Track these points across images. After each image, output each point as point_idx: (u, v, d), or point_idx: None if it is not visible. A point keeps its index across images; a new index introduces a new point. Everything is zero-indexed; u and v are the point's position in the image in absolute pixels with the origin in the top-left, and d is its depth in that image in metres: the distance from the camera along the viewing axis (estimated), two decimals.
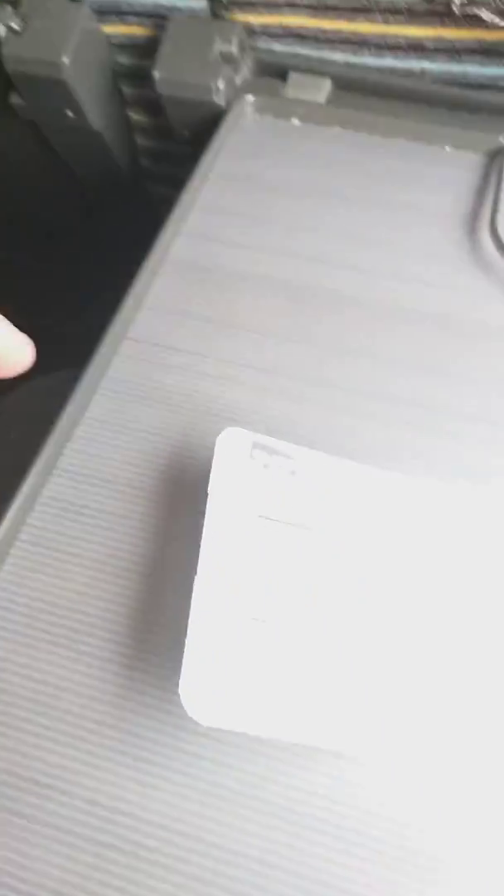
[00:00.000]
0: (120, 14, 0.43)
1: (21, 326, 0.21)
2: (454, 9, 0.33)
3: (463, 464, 0.29)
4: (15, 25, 0.42)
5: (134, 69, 0.47)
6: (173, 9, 0.42)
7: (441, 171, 0.39)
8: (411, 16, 0.37)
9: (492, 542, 0.26)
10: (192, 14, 0.42)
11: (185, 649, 0.21)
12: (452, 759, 0.22)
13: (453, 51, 0.40)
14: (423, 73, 0.41)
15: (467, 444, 0.29)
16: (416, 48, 0.40)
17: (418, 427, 0.30)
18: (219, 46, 0.40)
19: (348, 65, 0.42)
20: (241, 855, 0.21)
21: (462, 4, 0.33)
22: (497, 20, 0.33)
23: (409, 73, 0.41)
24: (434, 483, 0.27)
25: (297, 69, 0.42)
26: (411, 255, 0.35)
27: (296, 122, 0.41)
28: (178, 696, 0.21)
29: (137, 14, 0.43)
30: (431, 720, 0.23)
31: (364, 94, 0.41)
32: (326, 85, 0.42)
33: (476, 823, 0.21)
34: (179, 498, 0.27)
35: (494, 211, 0.36)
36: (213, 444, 0.25)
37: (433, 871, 0.21)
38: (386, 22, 0.39)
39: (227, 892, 0.21)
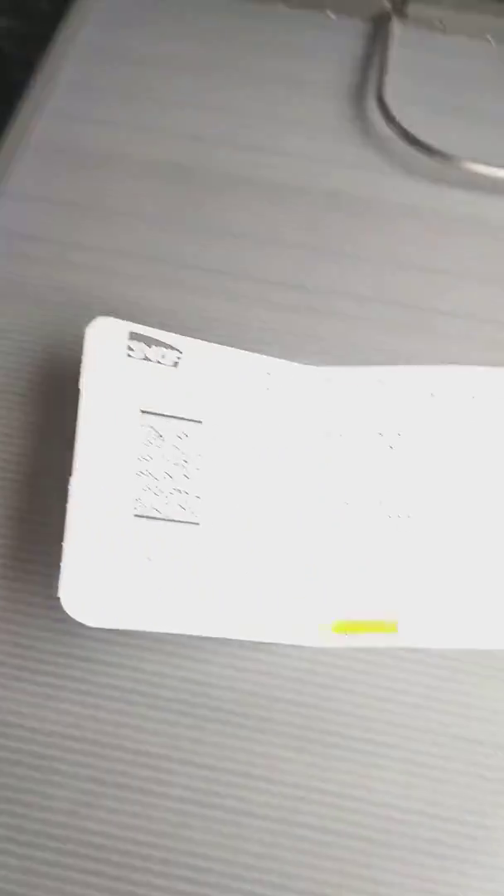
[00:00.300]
0: None
1: None
2: None
3: (355, 346, 0.27)
4: None
5: None
6: None
7: (324, 39, 0.36)
8: None
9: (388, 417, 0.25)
10: None
11: (63, 551, 0.20)
12: (349, 642, 0.22)
13: None
14: None
15: (359, 326, 0.28)
16: None
17: (307, 310, 0.28)
18: None
19: None
20: (143, 753, 0.20)
21: None
22: None
23: None
24: (330, 368, 0.26)
25: None
26: (295, 129, 0.33)
27: None
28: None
29: None
30: (327, 602, 0.22)
31: None
32: None
33: (374, 700, 0.21)
34: (55, 397, 0.25)
35: (381, 79, 0.34)
36: None
37: (336, 747, 0.21)
38: None
39: (130, 791, 0.20)
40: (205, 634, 0.21)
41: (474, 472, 0.25)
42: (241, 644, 0.22)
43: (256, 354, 0.26)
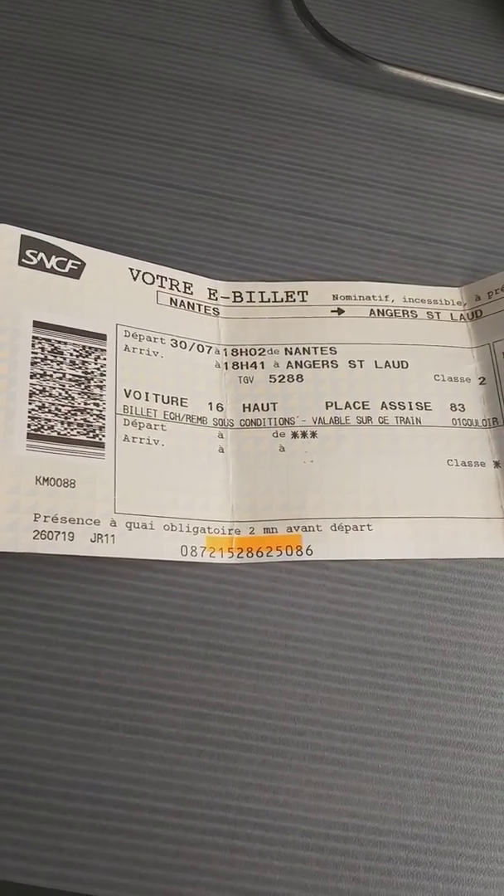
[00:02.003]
0: None
1: None
2: None
3: (265, 256, 0.26)
4: None
5: None
6: None
7: None
8: None
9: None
10: None
11: None
12: (252, 559, 0.22)
13: None
14: None
15: (270, 236, 0.27)
16: None
17: (215, 218, 0.27)
18: None
19: None
20: (43, 678, 0.20)
21: None
22: None
23: None
24: (239, 283, 0.25)
25: None
26: (206, 23, 0.30)
27: None
28: None
29: None
30: (230, 519, 0.22)
31: None
32: None
33: (275, 615, 0.21)
34: None
35: None
36: None
37: (237, 663, 0.21)
38: None
39: (30, 716, 0.20)
40: (105, 555, 0.20)
41: (379, 388, 0.24)
42: (144, 564, 0.21)
43: (166, 268, 0.25)
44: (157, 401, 0.23)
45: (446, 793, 0.20)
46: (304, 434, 0.24)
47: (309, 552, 0.22)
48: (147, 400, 0.23)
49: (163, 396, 0.23)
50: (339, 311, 0.25)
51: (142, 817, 0.19)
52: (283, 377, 0.24)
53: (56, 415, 0.21)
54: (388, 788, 0.20)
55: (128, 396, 0.22)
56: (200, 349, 0.24)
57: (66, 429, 0.21)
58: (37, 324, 0.22)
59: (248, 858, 0.19)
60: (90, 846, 0.19)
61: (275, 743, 0.20)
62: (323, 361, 0.25)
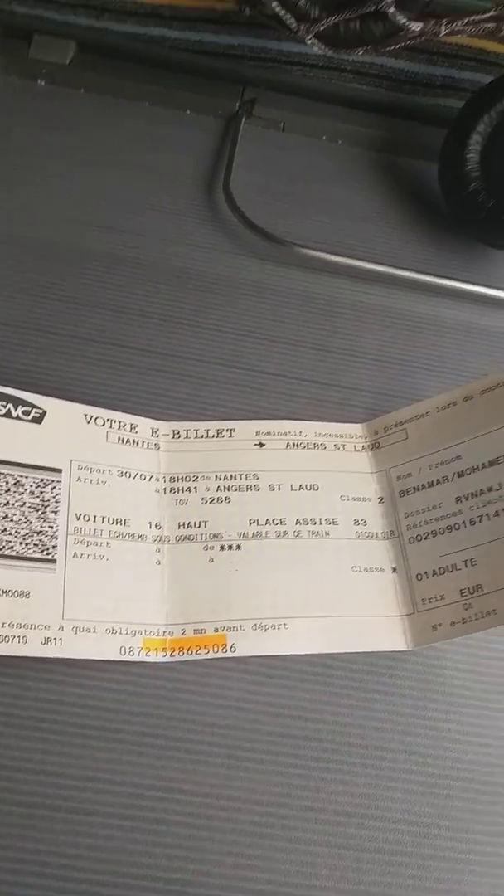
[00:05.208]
0: None
1: None
2: None
3: (202, 403, 0.32)
4: None
5: None
6: None
7: (182, 134, 0.41)
8: None
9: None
10: None
11: None
12: (183, 658, 0.25)
13: (188, 19, 0.42)
14: (163, 40, 0.43)
15: (205, 385, 0.32)
16: (153, 15, 0.42)
17: (160, 372, 0.32)
18: None
19: (91, 28, 0.43)
20: None
21: None
22: None
23: (149, 39, 0.43)
24: (178, 423, 0.30)
25: (42, 31, 0.43)
26: (154, 213, 0.37)
27: (41, 83, 0.42)
28: None
29: None
30: (164, 622, 0.26)
31: (108, 58, 0.43)
32: (71, 47, 0.43)
33: (202, 706, 0.25)
34: None
35: (228, 172, 0.39)
36: None
37: (168, 749, 0.24)
38: None
39: None
40: (53, 656, 0.24)
41: (294, 507, 0.29)
42: (87, 664, 0.25)
43: (116, 412, 0.30)
44: (103, 522, 0.27)
45: (352, 859, 0.23)
46: (230, 547, 0.28)
47: (233, 649, 0.26)
48: (95, 521, 0.27)
49: (109, 518, 0.27)
50: (261, 445, 0.30)
51: (80, 889, 0.22)
52: (213, 499, 0.29)
53: (16, 536, 0.25)
54: (300, 857, 0.23)
55: (78, 519, 0.27)
56: (143, 478, 0.29)
57: (23, 548, 0.25)
58: (2, 462, 0.27)
59: None
60: None
61: (200, 818, 0.23)
62: (247, 486, 0.29)
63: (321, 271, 0.37)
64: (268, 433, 0.31)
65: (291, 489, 0.30)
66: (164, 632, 0.26)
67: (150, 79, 0.43)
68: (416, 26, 0.35)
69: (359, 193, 0.41)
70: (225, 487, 0.29)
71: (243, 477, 0.29)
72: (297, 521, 0.29)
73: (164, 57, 0.43)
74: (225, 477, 0.29)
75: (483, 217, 0.36)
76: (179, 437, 0.30)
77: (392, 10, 0.34)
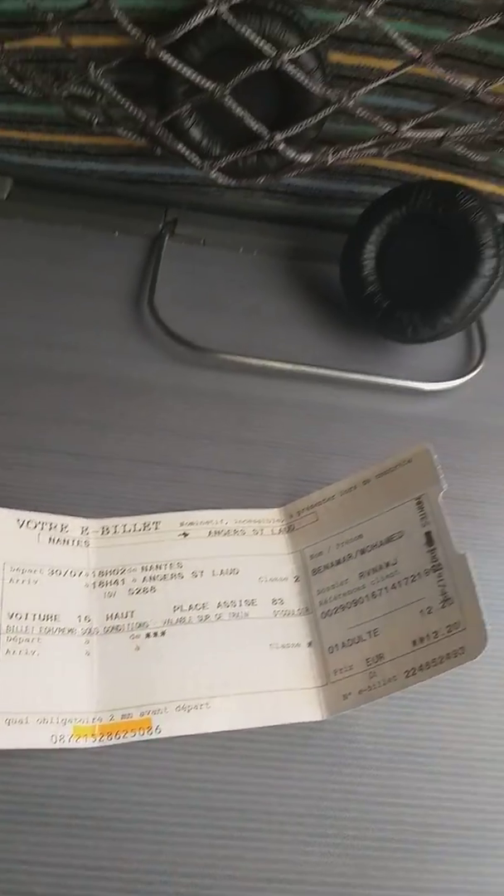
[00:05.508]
0: None
1: None
2: (95, 129, 0.40)
3: (127, 498, 0.34)
4: None
5: None
6: None
7: (112, 255, 0.46)
8: (70, 129, 0.44)
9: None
10: None
11: None
12: (111, 742, 0.27)
13: (111, 154, 0.47)
14: (91, 172, 0.48)
15: (132, 482, 0.35)
16: (80, 153, 0.47)
17: (89, 473, 0.35)
18: None
19: (24, 165, 0.48)
20: None
21: (100, 123, 0.40)
22: (133, 135, 0.40)
23: (79, 173, 0.48)
24: (107, 520, 0.33)
25: None
26: (85, 327, 0.41)
27: None
28: None
29: None
30: (92, 710, 0.28)
31: (42, 190, 0.48)
32: (8, 183, 0.47)
33: (131, 785, 0.27)
34: None
35: (152, 287, 0.43)
36: None
37: (99, 828, 0.26)
38: (51, 133, 0.45)
39: None
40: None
41: (216, 591, 0.32)
42: (20, 753, 0.27)
43: (47, 514, 0.32)
44: (35, 619, 0.29)
45: None
46: (155, 634, 0.30)
47: (158, 731, 0.28)
48: (27, 619, 0.29)
49: (40, 615, 0.30)
50: (185, 535, 0.33)
51: None
52: (140, 590, 0.31)
53: None
54: None
55: (11, 618, 0.29)
56: (73, 574, 0.31)
57: None
58: None
59: None
60: None
61: (128, 893, 0.25)
62: (171, 574, 0.32)
63: (238, 372, 0.40)
64: (191, 523, 0.34)
65: (213, 574, 0.32)
66: (94, 719, 0.28)
67: (81, 206, 0.47)
68: (306, 158, 0.40)
69: (272, 298, 0.45)
70: (151, 578, 0.32)
71: (168, 566, 0.32)
72: (219, 605, 0.31)
73: (92, 186, 0.48)
74: (151, 568, 0.32)
75: (380, 316, 0.41)
76: (108, 533, 0.33)
77: (282, 146, 0.39)
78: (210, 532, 0.34)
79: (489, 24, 0.34)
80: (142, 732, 0.28)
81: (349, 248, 0.42)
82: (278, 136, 0.38)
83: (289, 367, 0.40)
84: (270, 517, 0.35)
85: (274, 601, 0.32)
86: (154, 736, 0.28)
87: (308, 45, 0.35)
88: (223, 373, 0.40)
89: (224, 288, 0.45)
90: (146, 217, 0.47)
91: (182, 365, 0.40)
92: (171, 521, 0.34)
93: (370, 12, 0.34)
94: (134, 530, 0.33)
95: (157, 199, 0.48)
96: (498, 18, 0.34)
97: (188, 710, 0.28)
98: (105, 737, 0.28)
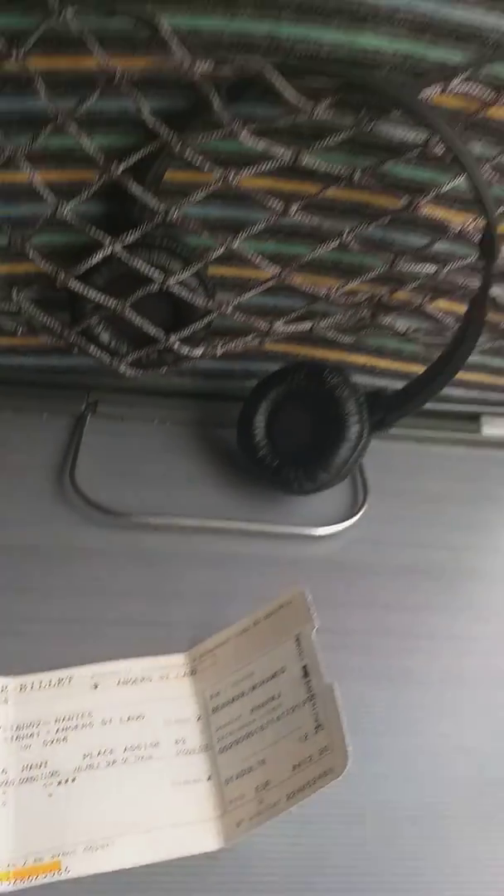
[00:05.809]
0: None
1: None
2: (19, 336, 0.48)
3: (50, 655, 0.38)
4: None
5: None
6: None
7: (39, 434, 0.52)
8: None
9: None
10: None
11: None
12: (23, 885, 0.30)
13: (38, 352, 0.54)
14: (21, 367, 0.55)
15: (54, 640, 0.39)
16: (12, 351, 0.54)
17: (12, 634, 0.39)
18: None
19: None
20: None
21: (23, 333, 0.48)
22: (52, 340, 0.48)
23: (10, 367, 0.55)
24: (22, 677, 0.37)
25: None
26: (9, 503, 0.46)
27: None
28: None
29: None
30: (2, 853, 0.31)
31: None
32: None
33: None
34: None
35: (74, 461, 0.49)
36: None
37: None
38: None
39: None
40: None
41: (123, 737, 0.35)
42: None
43: None
44: None
45: None
46: (66, 781, 0.33)
47: (67, 871, 0.30)
48: None
49: None
50: (96, 686, 0.37)
51: None
52: (53, 740, 0.35)
53: None
54: None
55: None
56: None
57: None
58: None
59: None
60: None
61: None
62: (82, 724, 0.35)
63: (151, 531, 0.46)
64: (101, 674, 0.37)
65: (121, 721, 0.36)
66: (8, 865, 0.30)
67: (12, 393, 0.54)
68: (198, 352, 0.47)
69: (182, 462, 0.51)
70: (63, 728, 0.35)
71: (79, 717, 0.36)
72: (125, 749, 0.35)
73: (22, 377, 0.55)
74: (63, 719, 0.35)
75: (271, 474, 0.47)
76: (26, 689, 0.37)
77: (177, 345, 0.46)
78: (119, 681, 0.37)
79: (332, 246, 0.44)
80: (52, 874, 0.30)
81: (243, 418, 0.49)
82: (173, 338, 0.46)
83: (196, 522, 0.46)
84: (175, 662, 0.39)
85: (177, 741, 0.35)
86: (64, 877, 0.30)
87: (189, 271, 0.43)
88: (138, 533, 0.46)
89: (140, 456, 0.51)
90: (71, 400, 0.54)
91: (100, 528, 0.46)
92: (82, 674, 0.37)
93: (236, 244, 0.43)
94: (49, 685, 0.37)
95: (81, 385, 0.55)
96: (338, 241, 0.44)
97: (95, 850, 0.31)
98: (18, 880, 0.30)
